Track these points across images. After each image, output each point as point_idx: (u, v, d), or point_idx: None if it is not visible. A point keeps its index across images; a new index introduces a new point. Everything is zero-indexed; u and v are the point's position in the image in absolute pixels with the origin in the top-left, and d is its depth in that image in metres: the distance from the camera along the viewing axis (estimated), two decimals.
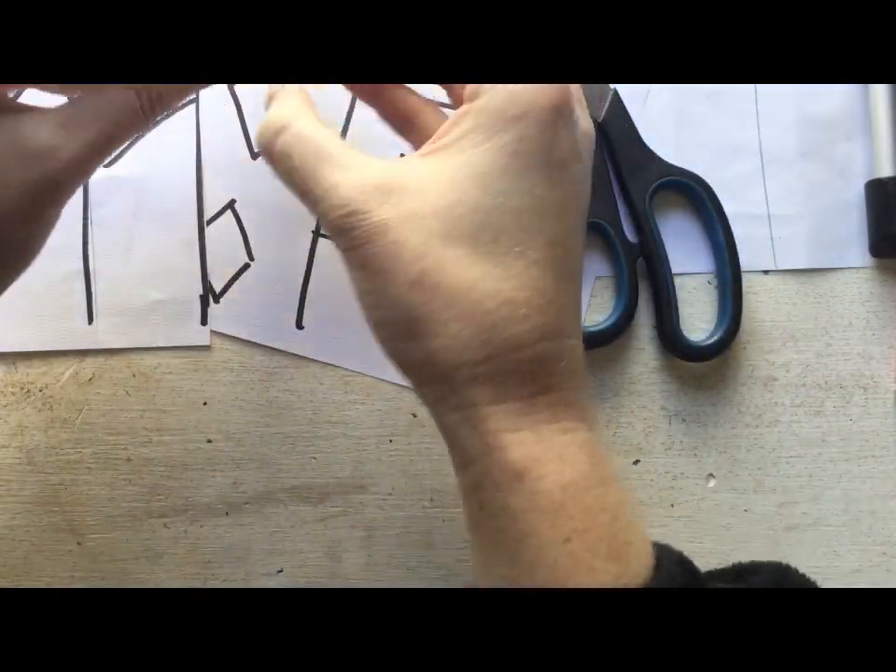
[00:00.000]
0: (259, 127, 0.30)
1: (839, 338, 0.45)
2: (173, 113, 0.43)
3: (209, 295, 0.44)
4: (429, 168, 0.26)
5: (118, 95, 0.30)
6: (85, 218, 0.44)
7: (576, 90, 0.27)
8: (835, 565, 0.44)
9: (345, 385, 0.44)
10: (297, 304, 0.44)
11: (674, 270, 0.44)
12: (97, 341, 0.43)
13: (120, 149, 0.44)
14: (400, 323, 0.26)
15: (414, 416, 0.44)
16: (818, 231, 0.45)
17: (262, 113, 0.45)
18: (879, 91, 0.44)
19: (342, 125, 0.45)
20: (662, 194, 0.45)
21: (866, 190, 0.45)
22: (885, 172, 0.44)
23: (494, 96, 0.25)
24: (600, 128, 0.43)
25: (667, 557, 0.26)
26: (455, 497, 0.43)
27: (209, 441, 0.44)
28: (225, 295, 0.44)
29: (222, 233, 0.44)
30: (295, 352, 0.44)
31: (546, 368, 0.26)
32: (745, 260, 0.44)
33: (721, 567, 0.30)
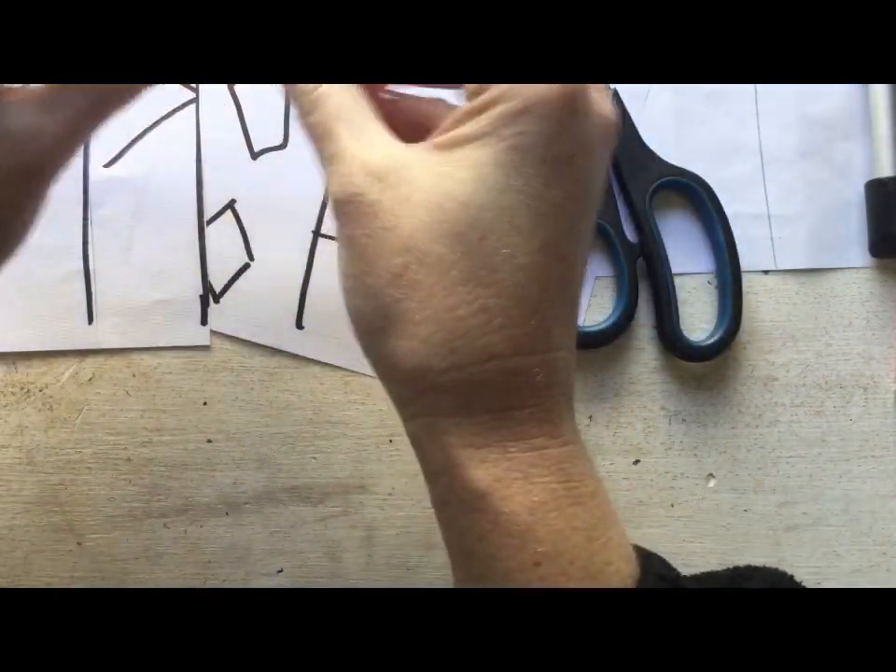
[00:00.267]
0: (297, 87, 0.29)
1: (839, 338, 0.45)
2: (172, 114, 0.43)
3: (209, 295, 0.44)
4: (427, 158, 0.25)
5: None
6: (85, 218, 0.44)
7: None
8: (835, 565, 0.44)
9: (345, 385, 0.44)
10: (297, 304, 0.44)
11: (674, 270, 0.44)
12: (97, 341, 0.43)
13: (120, 149, 0.44)
14: (374, 316, 0.25)
15: None
16: (818, 231, 0.45)
17: (263, 113, 0.45)
18: (879, 90, 0.44)
19: None
20: (662, 194, 0.45)
21: (866, 190, 0.45)
22: (885, 172, 0.44)
23: (498, 91, 0.24)
24: None
25: (650, 571, 0.25)
26: None
27: (209, 441, 0.44)
28: (225, 295, 0.44)
29: (222, 233, 0.44)
30: (295, 352, 0.44)
31: (518, 382, 0.24)
32: (745, 260, 0.44)
33: (719, 568, 0.30)
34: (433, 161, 0.25)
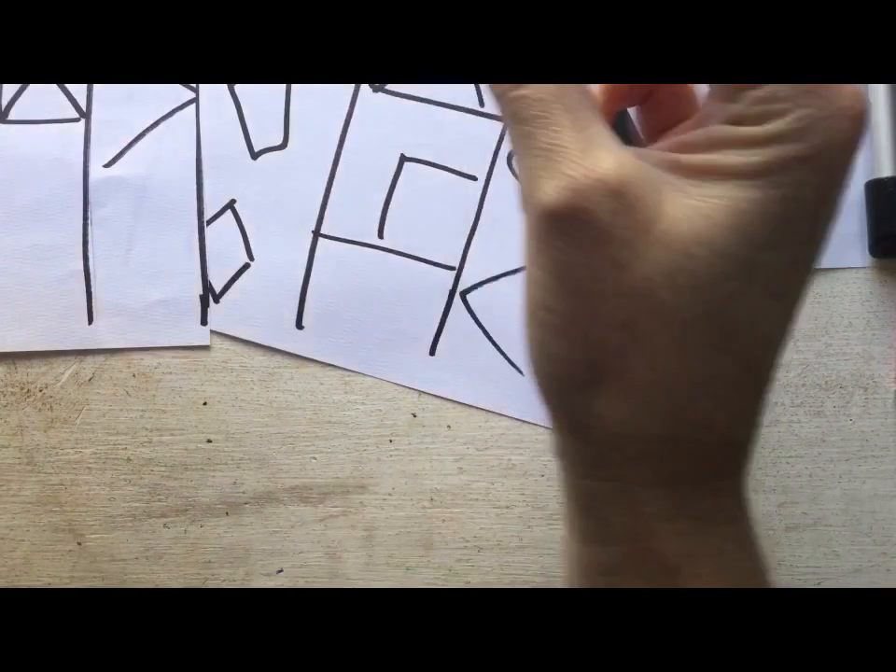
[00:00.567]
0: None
1: (839, 338, 0.45)
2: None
3: (209, 295, 0.44)
4: (674, 181, 0.20)
5: None
6: (85, 218, 0.44)
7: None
8: (835, 565, 0.44)
9: (345, 385, 0.44)
10: (297, 304, 0.44)
11: None
12: (97, 341, 0.43)
13: (121, 149, 0.44)
14: (583, 366, 0.21)
15: (414, 416, 0.44)
16: None
17: (263, 113, 0.45)
18: (879, 91, 0.44)
19: (340, 132, 0.45)
20: None
21: (866, 190, 0.45)
22: (885, 172, 0.44)
23: (785, 129, 0.20)
24: None
25: None
26: (455, 496, 0.43)
27: (209, 441, 0.44)
28: (225, 295, 0.44)
29: (222, 233, 0.44)
30: (295, 352, 0.44)
31: (725, 453, 0.22)
32: None
33: None
34: (683, 189, 0.20)
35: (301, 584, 0.43)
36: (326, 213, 0.44)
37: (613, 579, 0.22)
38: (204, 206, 0.44)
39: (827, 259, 0.45)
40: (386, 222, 0.44)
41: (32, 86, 0.44)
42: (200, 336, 0.44)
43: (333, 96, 0.45)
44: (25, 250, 0.43)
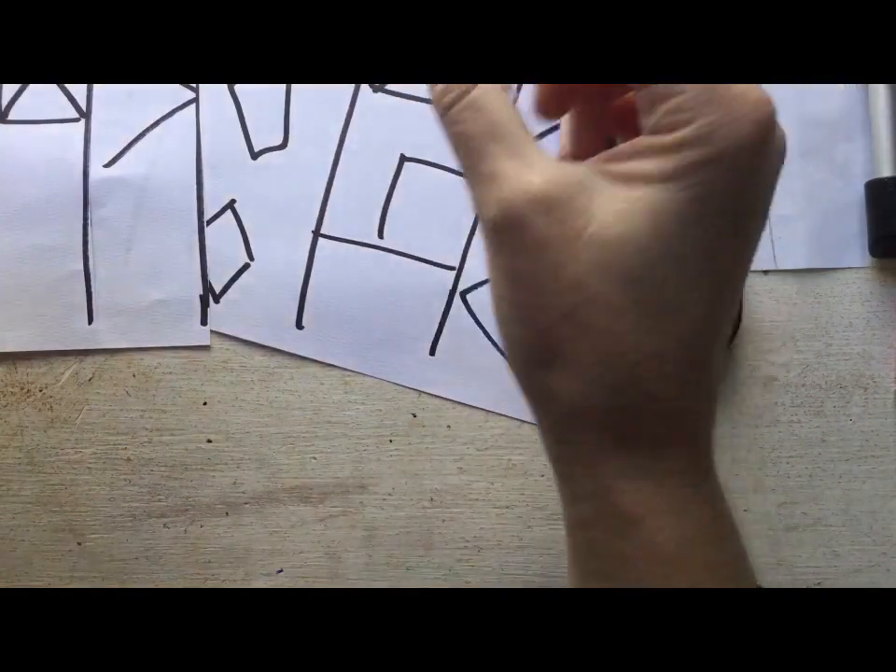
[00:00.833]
0: (436, 91, 0.26)
1: (839, 338, 0.45)
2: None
3: (209, 295, 0.44)
4: (601, 189, 0.23)
5: None
6: (85, 218, 0.44)
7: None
8: (835, 565, 0.44)
9: (345, 385, 0.44)
10: (297, 304, 0.44)
11: None
12: (97, 341, 0.43)
13: (121, 149, 0.44)
14: (538, 350, 0.24)
15: (414, 416, 0.44)
16: (818, 231, 0.45)
17: (263, 113, 0.45)
18: (879, 90, 0.44)
19: (340, 132, 0.45)
20: None
21: (866, 190, 0.45)
22: (885, 172, 0.44)
23: (690, 135, 0.22)
24: None
25: None
26: (455, 496, 0.43)
27: (209, 441, 0.44)
28: (225, 295, 0.44)
29: (222, 233, 0.44)
30: (295, 352, 0.44)
31: (678, 423, 0.24)
32: None
33: None
34: (608, 195, 0.23)
35: (301, 584, 0.43)
36: (326, 213, 0.44)
37: (587, 533, 0.25)
38: (204, 206, 0.44)
39: (827, 258, 0.45)
40: (386, 222, 0.44)
41: (32, 86, 0.44)
42: (200, 336, 0.44)
43: (333, 96, 0.45)
44: (25, 250, 0.43)
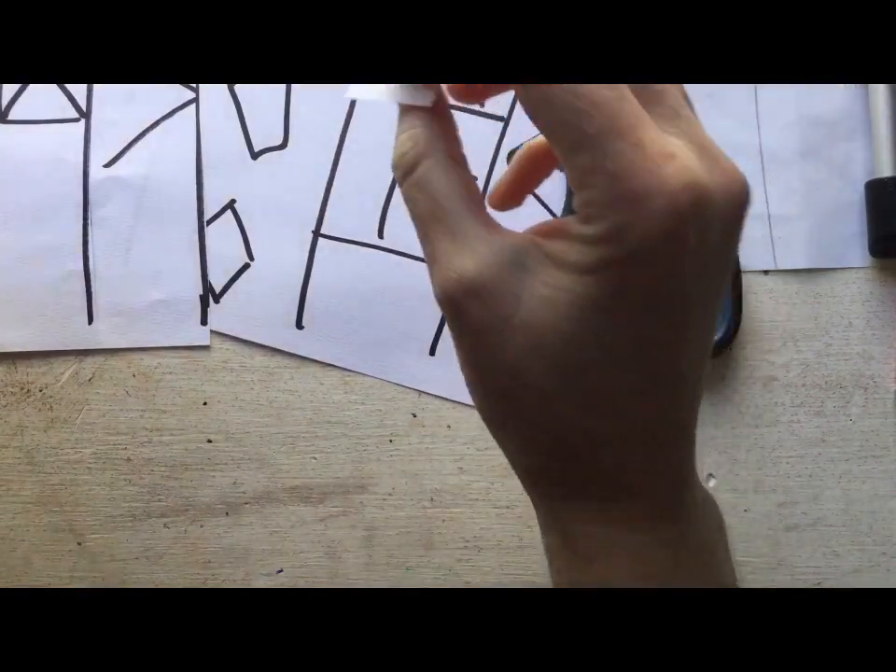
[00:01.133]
0: (394, 157, 0.27)
1: (839, 338, 0.45)
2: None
3: (209, 295, 0.44)
4: (532, 272, 0.24)
5: None
6: (85, 218, 0.44)
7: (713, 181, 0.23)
8: (835, 565, 0.44)
9: (345, 385, 0.44)
10: (297, 304, 0.44)
11: None
12: (97, 341, 0.43)
13: (121, 149, 0.44)
14: (494, 414, 0.26)
15: (414, 416, 0.44)
16: (818, 231, 0.45)
17: (263, 113, 0.45)
18: (879, 90, 0.44)
19: (340, 132, 0.45)
20: None
21: (866, 190, 0.45)
22: (885, 172, 0.44)
23: (601, 233, 0.22)
24: None
25: None
26: (455, 496, 0.44)
27: (209, 441, 0.44)
28: (225, 295, 0.44)
29: (222, 233, 0.44)
30: (295, 352, 0.44)
31: (626, 485, 0.25)
32: (745, 260, 0.44)
33: None
34: (537, 279, 0.24)
35: (301, 584, 0.43)
36: (326, 213, 0.44)
37: (553, 559, 0.27)
38: (204, 206, 0.44)
39: (827, 258, 0.45)
40: (386, 222, 0.44)
41: (32, 86, 0.44)
42: (200, 336, 0.44)
43: (333, 96, 0.45)
44: (25, 250, 0.43)
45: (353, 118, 0.45)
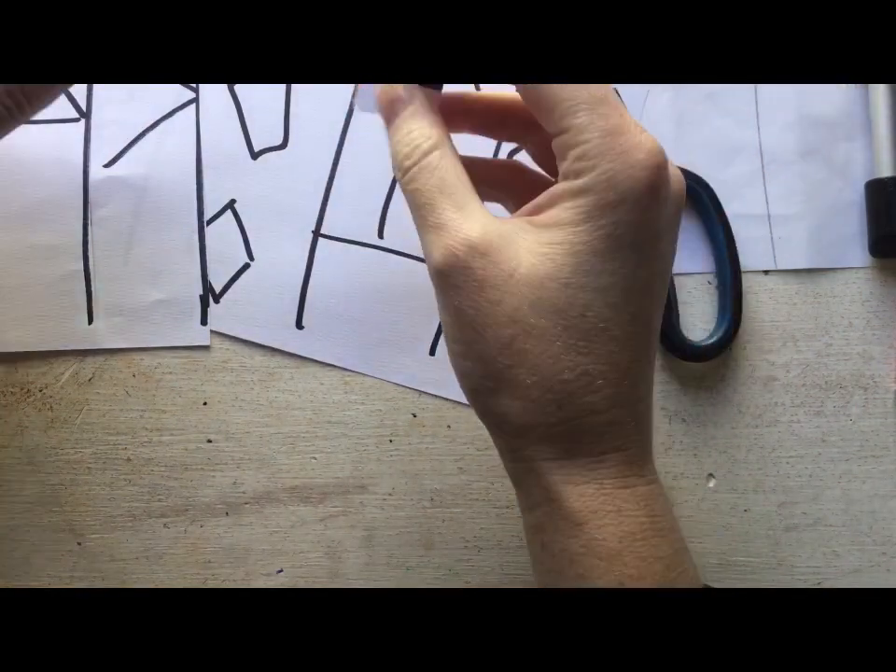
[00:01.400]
0: (404, 146, 0.29)
1: (839, 338, 0.45)
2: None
3: (209, 295, 0.44)
4: (527, 236, 0.27)
5: None
6: (85, 218, 0.44)
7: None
8: (835, 565, 0.44)
9: (345, 385, 0.44)
10: (297, 304, 0.44)
11: (674, 270, 0.44)
12: (97, 341, 0.43)
13: (121, 149, 0.44)
14: (485, 378, 0.28)
15: (414, 416, 0.44)
16: (818, 231, 0.45)
17: (263, 113, 0.45)
18: (879, 90, 0.44)
19: (340, 132, 0.45)
20: None
21: (866, 190, 0.45)
22: (885, 172, 0.44)
23: (595, 181, 0.26)
24: None
25: None
26: (455, 496, 0.44)
27: (209, 441, 0.44)
28: (225, 295, 0.44)
29: (222, 233, 0.44)
30: (295, 352, 0.44)
31: (613, 431, 0.28)
32: (745, 260, 0.44)
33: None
34: (533, 241, 0.27)
35: (301, 584, 0.43)
36: (326, 213, 0.44)
37: (541, 536, 0.29)
38: (204, 206, 0.44)
39: (827, 258, 0.45)
40: (386, 222, 0.44)
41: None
42: (200, 336, 0.44)
43: (333, 96, 0.45)
44: (25, 250, 0.43)
45: (353, 118, 0.45)
